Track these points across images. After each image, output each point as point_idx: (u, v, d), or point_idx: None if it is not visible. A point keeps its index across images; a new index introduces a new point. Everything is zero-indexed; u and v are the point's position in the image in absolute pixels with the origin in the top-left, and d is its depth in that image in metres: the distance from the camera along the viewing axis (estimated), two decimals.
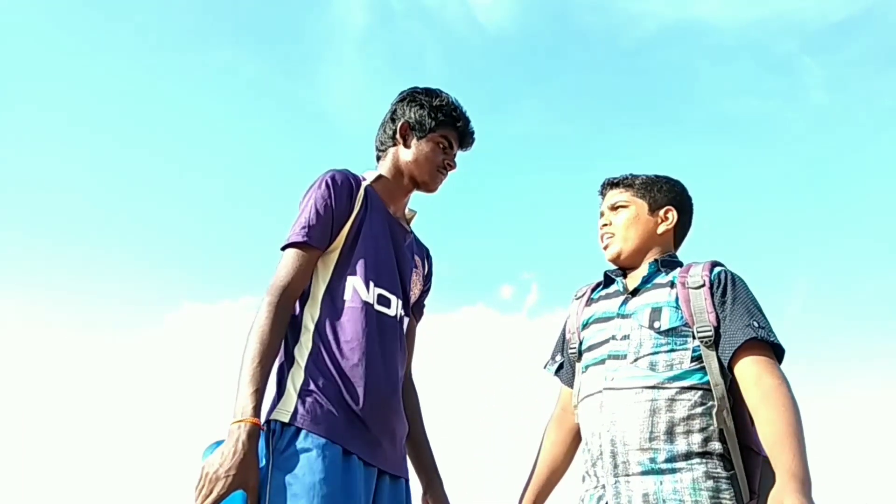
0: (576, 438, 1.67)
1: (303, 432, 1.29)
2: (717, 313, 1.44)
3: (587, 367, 1.58)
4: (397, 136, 1.65)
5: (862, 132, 7.86)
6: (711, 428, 1.39)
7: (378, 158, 1.71)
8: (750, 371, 1.38)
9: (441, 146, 1.65)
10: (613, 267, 1.71)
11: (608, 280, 1.69)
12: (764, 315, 1.45)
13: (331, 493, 1.24)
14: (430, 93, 1.67)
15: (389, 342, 1.48)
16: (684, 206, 1.71)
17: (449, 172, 1.68)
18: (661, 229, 1.66)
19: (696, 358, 1.43)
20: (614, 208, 1.69)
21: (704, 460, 1.37)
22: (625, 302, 1.57)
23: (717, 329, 1.43)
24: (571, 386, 1.66)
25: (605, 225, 1.69)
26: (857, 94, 8.01)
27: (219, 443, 1.27)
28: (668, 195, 1.69)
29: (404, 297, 1.57)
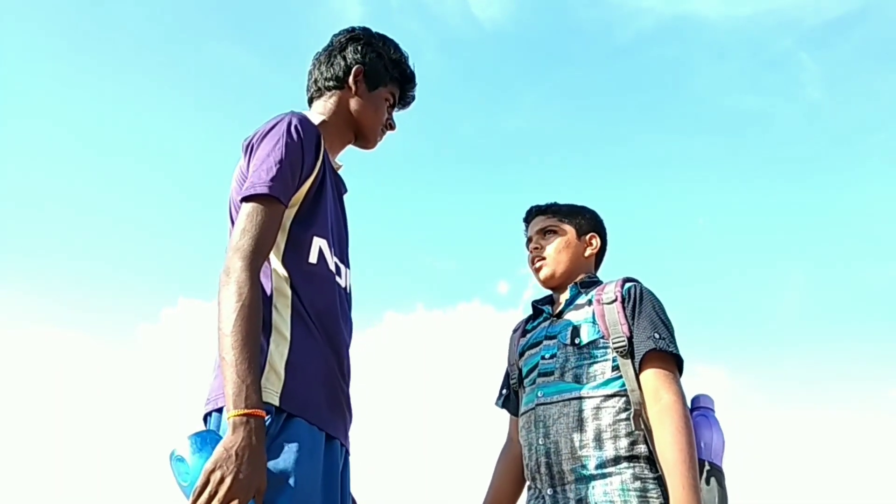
0: (522, 467, 1.69)
1: (293, 419, 1.16)
2: (629, 325, 1.55)
3: (525, 389, 1.69)
4: (349, 80, 1.48)
5: (857, 127, 7.88)
6: (637, 432, 1.48)
7: (312, 98, 1.53)
8: (649, 384, 1.49)
9: (388, 103, 1.53)
10: (541, 296, 1.83)
11: (536, 311, 1.80)
12: (667, 327, 1.55)
13: (319, 486, 1.16)
14: (387, 42, 1.54)
15: (349, 322, 1.38)
16: (603, 233, 1.85)
17: (387, 133, 1.56)
18: (587, 252, 1.80)
19: (616, 367, 1.54)
20: (544, 234, 1.80)
21: (632, 464, 1.46)
22: (551, 324, 1.70)
23: (630, 339, 1.54)
24: (517, 415, 1.72)
25: (536, 248, 1.79)
26: (852, 90, 8.03)
27: (205, 435, 1.11)
28: (591, 222, 1.83)
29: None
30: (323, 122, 1.44)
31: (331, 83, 1.49)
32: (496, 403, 1.82)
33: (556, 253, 1.76)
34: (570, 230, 1.79)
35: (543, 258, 1.77)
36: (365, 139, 1.52)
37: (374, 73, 1.49)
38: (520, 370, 1.73)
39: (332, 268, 1.34)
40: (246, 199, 1.23)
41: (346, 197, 1.52)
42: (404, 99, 1.59)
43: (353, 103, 1.48)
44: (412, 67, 1.57)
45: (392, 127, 1.55)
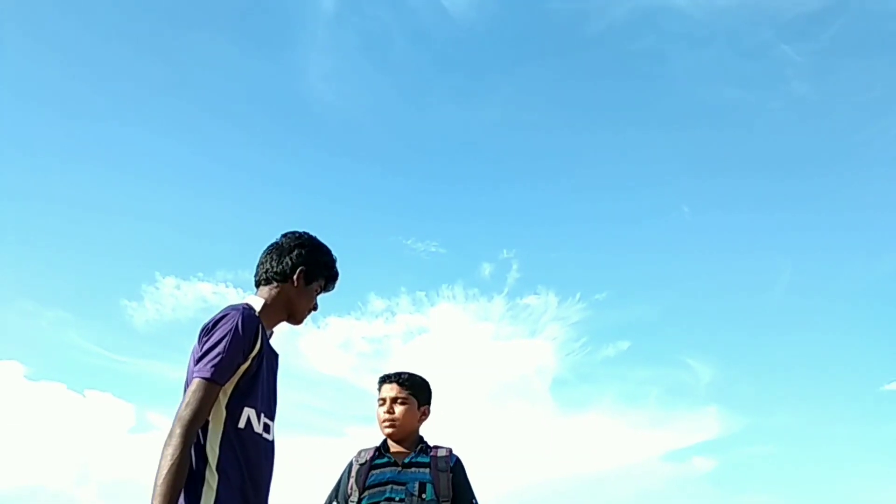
0: None
1: None
2: (451, 492, 2.15)
3: None
4: (293, 278, 1.99)
5: (846, 122, 7.85)
6: None
7: (260, 282, 2.02)
8: None
9: (317, 293, 2.07)
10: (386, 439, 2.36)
11: (380, 450, 2.33)
12: (474, 493, 2.26)
13: None
14: (323, 250, 2.09)
15: (271, 467, 1.84)
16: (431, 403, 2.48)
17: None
18: (422, 421, 2.43)
19: None
20: (395, 400, 2.39)
21: None
22: (400, 472, 2.23)
23: (453, 501, 2.21)
24: None
25: (388, 412, 2.37)
26: (838, 83, 8.01)
27: None
28: (427, 396, 2.45)
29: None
30: (265, 306, 1.94)
31: (277, 277, 1.99)
32: None
33: (402, 419, 2.35)
34: (413, 401, 2.39)
35: (393, 421, 2.35)
36: (296, 321, 2.04)
37: (312, 274, 2.03)
38: (360, 499, 2.21)
39: (260, 429, 1.80)
40: (195, 377, 1.69)
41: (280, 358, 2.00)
42: (328, 289, 2.13)
43: (293, 295, 2.00)
44: (337, 268, 2.13)
45: (316, 308, 2.08)
